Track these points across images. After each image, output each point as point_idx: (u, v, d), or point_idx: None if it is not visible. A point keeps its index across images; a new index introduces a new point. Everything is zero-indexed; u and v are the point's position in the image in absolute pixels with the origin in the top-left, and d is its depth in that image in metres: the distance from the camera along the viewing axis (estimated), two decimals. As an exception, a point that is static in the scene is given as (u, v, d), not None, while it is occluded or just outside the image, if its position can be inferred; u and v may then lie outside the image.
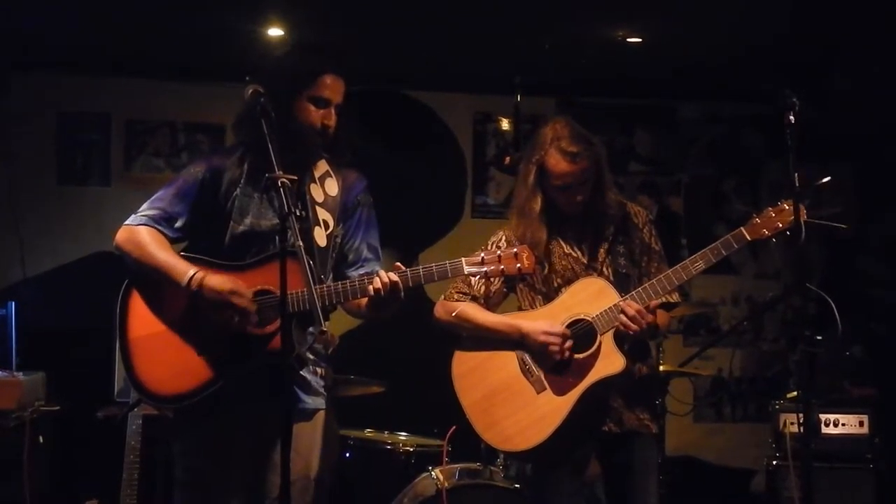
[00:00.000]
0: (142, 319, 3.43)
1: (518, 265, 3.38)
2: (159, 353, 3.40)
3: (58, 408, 5.51)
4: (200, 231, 3.54)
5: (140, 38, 5.96)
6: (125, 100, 6.76)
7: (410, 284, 3.36)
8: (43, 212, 6.60)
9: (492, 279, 3.90)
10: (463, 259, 3.39)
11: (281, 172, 3.15)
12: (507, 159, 6.31)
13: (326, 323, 3.12)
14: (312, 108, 3.45)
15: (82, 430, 5.75)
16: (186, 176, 3.55)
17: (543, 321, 3.85)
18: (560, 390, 3.80)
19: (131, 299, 3.46)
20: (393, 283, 3.31)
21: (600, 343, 3.78)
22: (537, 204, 3.92)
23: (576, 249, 3.97)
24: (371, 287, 3.31)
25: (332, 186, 3.57)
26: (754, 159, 7.21)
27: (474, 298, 4.01)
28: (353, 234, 3.62)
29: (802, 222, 3.51)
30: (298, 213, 3.11)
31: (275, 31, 5.80)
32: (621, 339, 3.81)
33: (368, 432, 5.49)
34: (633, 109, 7.22)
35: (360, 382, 5.38)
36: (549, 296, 3.94)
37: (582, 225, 3.99)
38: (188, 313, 3.37)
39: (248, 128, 3.44)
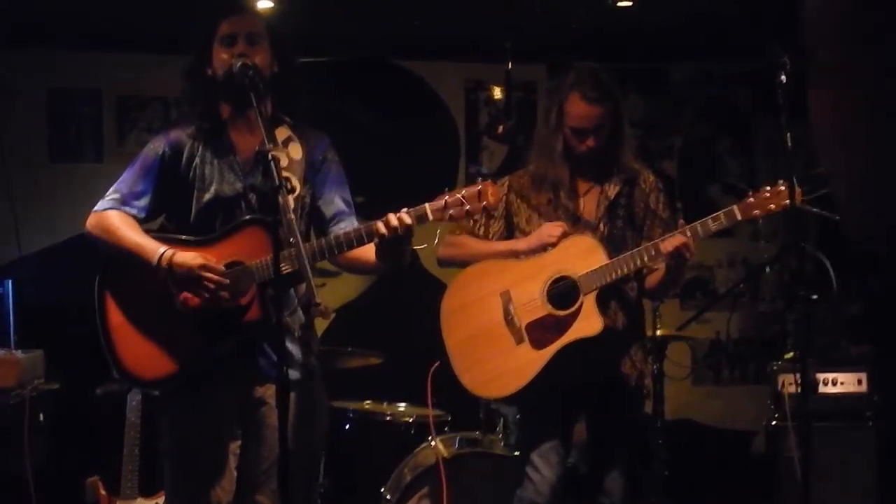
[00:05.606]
0: (119, 306, 3.43)
1: (483, 203, 3.24)
2: (140, 338, 3.41)
3: (57, 385, 5.51)
4: (168, 207, 3.55)
5: (129, 12, 5.91)
6: (116, 75, 6.71)
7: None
8: (37, 189, 6.56)
9: (493, 219, 4.03)
10: (426, 205, 3.27)
11: (272, 146, 3.14)
12: (500, 128, 6.29)
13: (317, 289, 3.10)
14: (223, 51, 3.47)
15: (82, 408, 5.76)
16: (147, 153, 3.55)
17: (529, 282, 3.90)
18: (538, 345, 3.86)
19: (106, 288, 3.45)
20: (404, 224, 3.23)
21: (582, 303, 3.81)
22: (559, 143, 3.97)
23: (572, 202, 4.01)
24: (382, 226, 3.23)
25: (296, 150, 3.55)
26: (747, 119, 7.18)
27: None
28: (324, 189, 3.60)
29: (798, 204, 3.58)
30: (288, 188, 3.11)
31: (264, 4, 5.75)
32: (604, 301, 3.85)
33: (367, 404, 5.49)
34: (625, 73, 7.18)
35: (358, 354, 5.38)
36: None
37: (589, 178, 4.04)
38: (164, 294, 3.35)
39: (203, 98, 3.51)
